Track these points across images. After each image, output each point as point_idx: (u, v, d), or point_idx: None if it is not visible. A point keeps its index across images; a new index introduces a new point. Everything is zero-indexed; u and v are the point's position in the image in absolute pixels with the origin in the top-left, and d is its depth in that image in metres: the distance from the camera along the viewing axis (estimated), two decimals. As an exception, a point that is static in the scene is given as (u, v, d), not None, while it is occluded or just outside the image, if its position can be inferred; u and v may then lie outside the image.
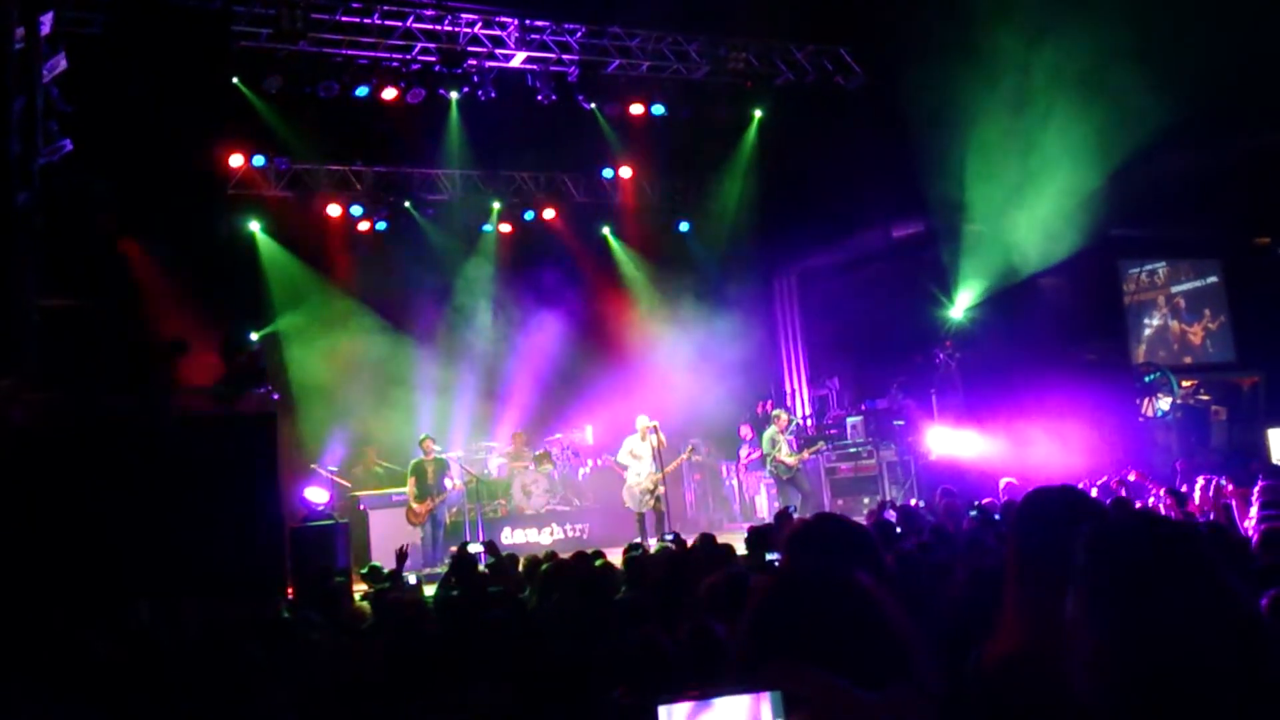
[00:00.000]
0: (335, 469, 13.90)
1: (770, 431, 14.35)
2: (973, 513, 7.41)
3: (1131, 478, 10.43)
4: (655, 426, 13.69)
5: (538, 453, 15.71)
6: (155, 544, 9.14)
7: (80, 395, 10.37)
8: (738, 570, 5.13)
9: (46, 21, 11.39)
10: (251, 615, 6.56)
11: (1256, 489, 8.47)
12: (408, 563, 10.66)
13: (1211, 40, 10.42)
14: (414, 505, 13.15)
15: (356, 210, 16.35)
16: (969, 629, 3.34)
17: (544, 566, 7.38)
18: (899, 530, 7.71)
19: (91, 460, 9.53)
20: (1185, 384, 15.60)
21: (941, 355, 14.47)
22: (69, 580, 8.50)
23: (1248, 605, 1.79)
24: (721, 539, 8.60)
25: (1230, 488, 8.67)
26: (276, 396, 11.34)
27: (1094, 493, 9.57)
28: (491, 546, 9.66)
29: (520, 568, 8.28)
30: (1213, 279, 17.33)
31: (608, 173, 17.43)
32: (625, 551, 8.09)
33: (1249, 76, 11.43)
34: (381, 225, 16.64)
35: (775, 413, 14.81)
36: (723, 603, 4.30)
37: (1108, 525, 1.90)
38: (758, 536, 7.58)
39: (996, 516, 7.67)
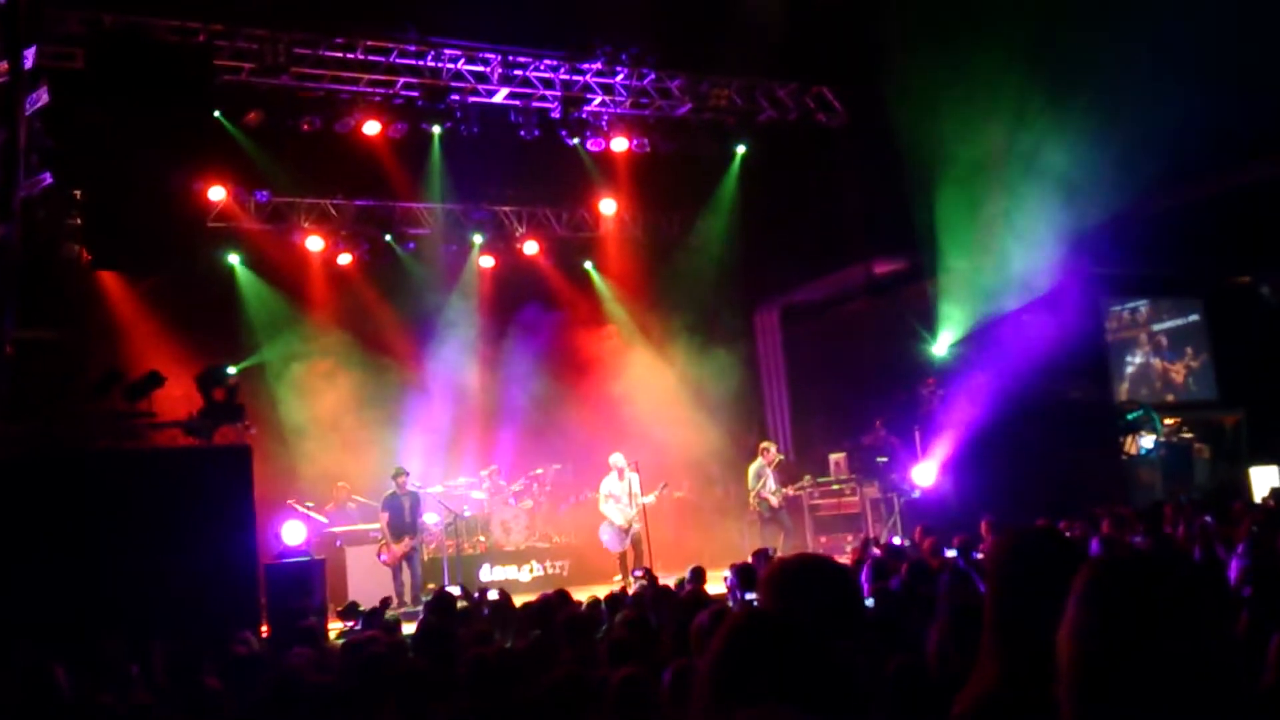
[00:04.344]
0: (312, 504, 13.73)
1: (756, 465, 14.25)
2: (951, 553, 7.32)
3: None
4: (631, 464, 13.70)
5: (515, 488, 15.60)
6: (127, 578, 9.00)
7: (53, 427, 10.25)
8: (721, 609, 5.05)
9: (29, 56, 11.38)
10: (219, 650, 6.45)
11: (1242, 527, 8.47)
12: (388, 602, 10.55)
13: (1191, 82, 10.52)
14: (392, 544, 12.91)
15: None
16: (947, 668, 3.30)
17: (522, 605, 7.30)
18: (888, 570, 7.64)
19: (63, 493, 9.40)
20: (1168, 422, 15.64)
21: (925, 392, 14.45)
22: (37, 615, 8.35)
23: (1231, 645, 1.79)
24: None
25: (1214, 525, 8.68)
26: (253, 430, 11.21)
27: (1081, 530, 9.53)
28: (465, 592, 9.54)
29: (492, 608, 8.17)
30: (1194, 317, 17.43)
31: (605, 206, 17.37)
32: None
33: (1230, 117, 11.54)
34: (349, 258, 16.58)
35: (764, 445, 14.68)
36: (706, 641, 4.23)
37: (1105, 565, 1.88)
38: (740, 575, 7.50)
39: (977, 555, 7.61)
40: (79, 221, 12.80)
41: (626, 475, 13.74)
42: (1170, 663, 1.67)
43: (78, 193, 12.66)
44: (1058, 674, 1.82)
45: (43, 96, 11.84)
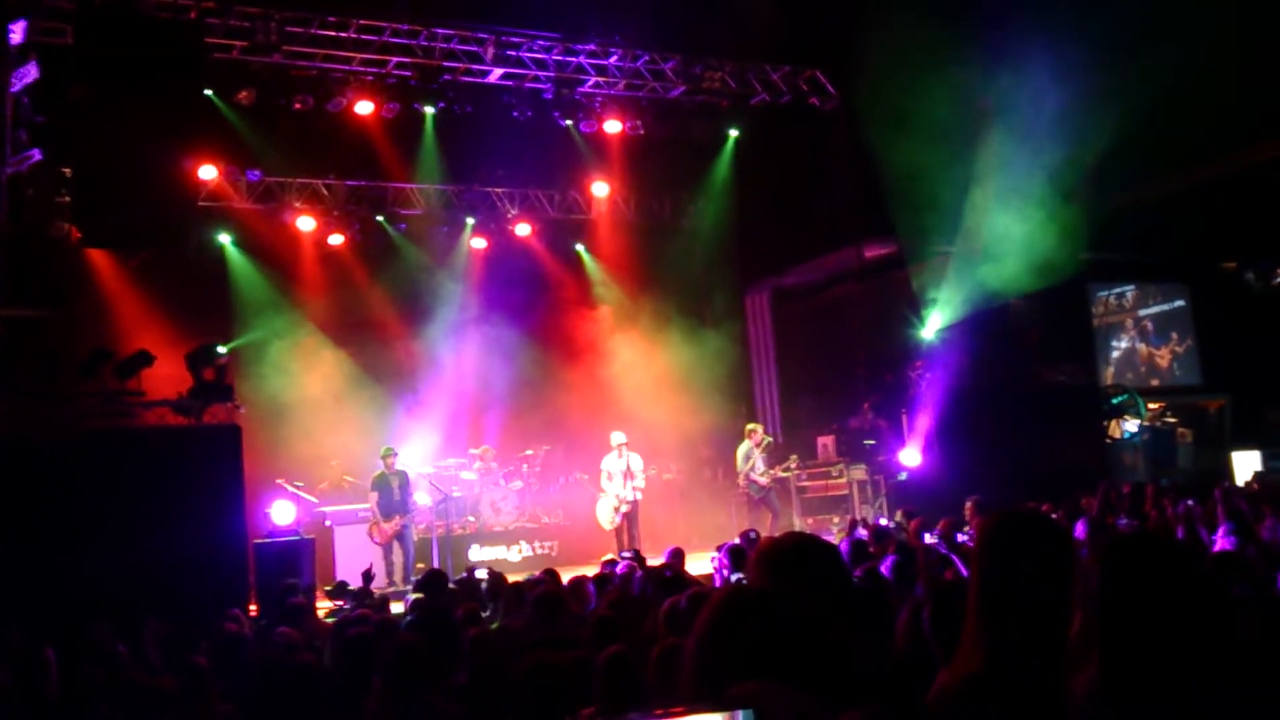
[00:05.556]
0: (301, 484, 13.75)
1: (745, 447, 14.29)
2: (932, 540, 7.38)
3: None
4: (625, 444, 13.76)
5: (507, 469, 15.63)
6: (116, 558, 9.02)
7: (41, 406, 10.24)
8: (700, 591, 5.11)
9: (18, 30, 11.30)
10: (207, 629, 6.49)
11: (1220, 510, 8.56)
12: (376, 582, 10.58)
13: (1178, 68, 10.55)
14: (381, 523, 12.96)
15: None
16: (932, 648, 3.35)
17: (511, 584, 7.35)
18: (870, 550, 7.71)
19: (51, 472, 9.40)
20: (1152, 406, 15.73)
21: (913, 375, 14.51)
22: (26, 595, 8.36)
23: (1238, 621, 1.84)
24: (691, 557, 8.58)
25: (1198, 509, 8.77)
26: (243, 410, 11.20)
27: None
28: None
29: (486, 587, 8.21)
30: (1180, 303, 17.53)
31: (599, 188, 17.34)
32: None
33: (1216, 103, 11.58)
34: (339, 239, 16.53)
35: (750, 426, 14.71)
36: (684, 622, 4.28)
37: (1122, 548, 1.91)
38: (730, 556, 7.56)
39: (960, 537, 7.68)
40: (68, 199, 12.72)
41: (625, 453, 13.80)
42: (1189, 638, 1.71)
43: (67, 170, 12.58)
44: (1066, 651, 1.83)
45: (31, 72, 11.75)
